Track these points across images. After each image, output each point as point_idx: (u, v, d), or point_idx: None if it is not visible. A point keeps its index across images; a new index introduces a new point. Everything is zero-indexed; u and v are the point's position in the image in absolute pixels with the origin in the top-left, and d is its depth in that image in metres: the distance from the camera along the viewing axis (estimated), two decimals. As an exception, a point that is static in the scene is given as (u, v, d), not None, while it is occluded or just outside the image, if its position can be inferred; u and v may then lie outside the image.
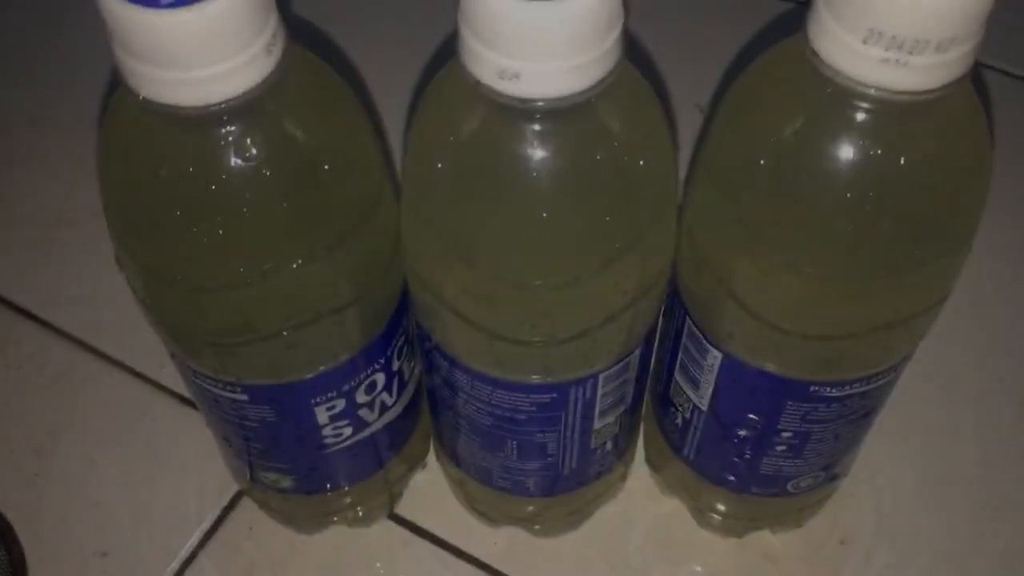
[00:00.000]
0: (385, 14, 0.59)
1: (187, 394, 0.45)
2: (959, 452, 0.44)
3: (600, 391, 0.32)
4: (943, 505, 0.42)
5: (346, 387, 0.32)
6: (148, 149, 0.25)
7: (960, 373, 0.46)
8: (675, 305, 0.33)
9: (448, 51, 0.25)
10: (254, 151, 0.25)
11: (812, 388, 0.30)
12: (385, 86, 0.53)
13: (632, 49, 0.25)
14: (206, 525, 0.42)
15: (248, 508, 0.42)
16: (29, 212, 0.52)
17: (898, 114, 0.24)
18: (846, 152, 0.25)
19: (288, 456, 0.34)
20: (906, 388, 0.44)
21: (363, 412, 0.34)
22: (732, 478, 0.36)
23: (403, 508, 0.42)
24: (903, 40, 0.22)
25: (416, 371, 0.36)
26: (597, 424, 0.33)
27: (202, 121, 0.24)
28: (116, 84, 0.25)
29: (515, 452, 0.34)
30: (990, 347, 0.47)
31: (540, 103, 0.24)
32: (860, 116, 0.24)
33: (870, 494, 0.42)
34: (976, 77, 0.25)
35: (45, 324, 0.48)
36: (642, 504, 0.42)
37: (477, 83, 0.24)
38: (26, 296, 0.48)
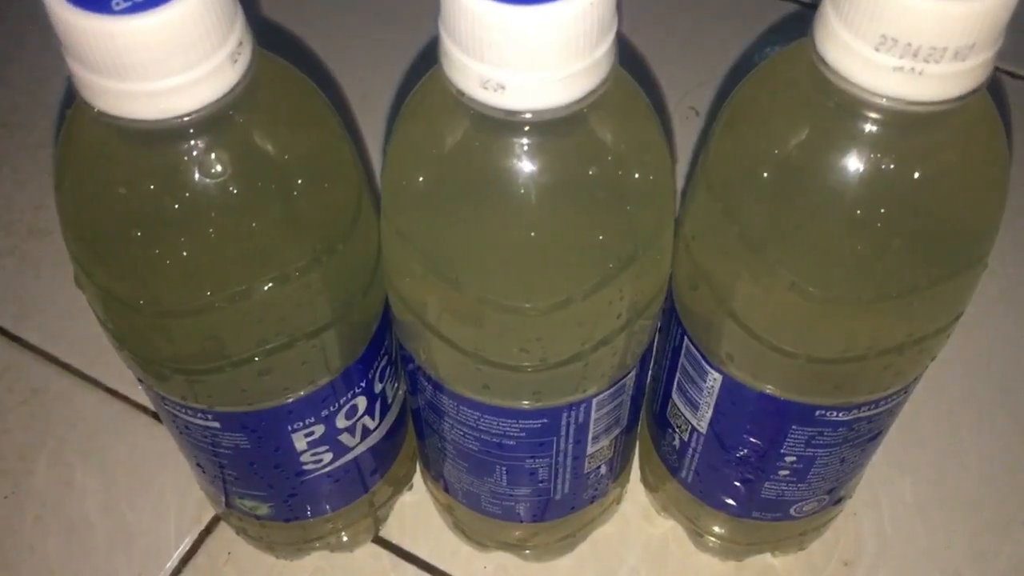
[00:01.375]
0: (363, 15, 0.57)
1: (164, 412, 0.43)
2: (961, 473, 0.42)
3: (594, 415, 0.30)
4: (945, 526, 0.41)
5: (325, 412, 0.30)
6: (105, 166, 0.23)
7: (962, 393, 0.45)
8: (672, 323, 0.31)
9: (429, 60, 0.24)
10: (220, 167, 0.23)
11: (818, 412, 0.29)
12: (363, 93, 0.51)
13: (623, 52, 0.23)
14: (184, 549, 0.40)
15: (227, 531, 0.40)
16: (0, 222, 0.50)
17: (911, 126, 0.23)
18: (855, 165, 0.23)
19: (265, 483, 0.33)
20: (908, 407, 0.43)
21: (344, 437, 0.32)
22: (732, 502, 0.34)
23: (388, 531, 0.40)
24: (919, 47, 0.21)
25: (400, 392, 0.34)
26: (590, 448, 0.32)
27: (162, 136, 0.22)
28: (72, 96, 0.23)
29: (504, 477, 0.32)
30: (992, 366, 0.45)
31: (528, 116, 0.22)
32: (871, 127, 0.23)
33: (872, 515, 0.40)
34: (994, 81, 0.23)
35: (16, 339, 0.46)
36: (637, 524, 0.41)
37: (460, 93, 0.22)
38: (-3, 310, 0.47)
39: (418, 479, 0.41)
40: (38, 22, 0.59)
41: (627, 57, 0.24)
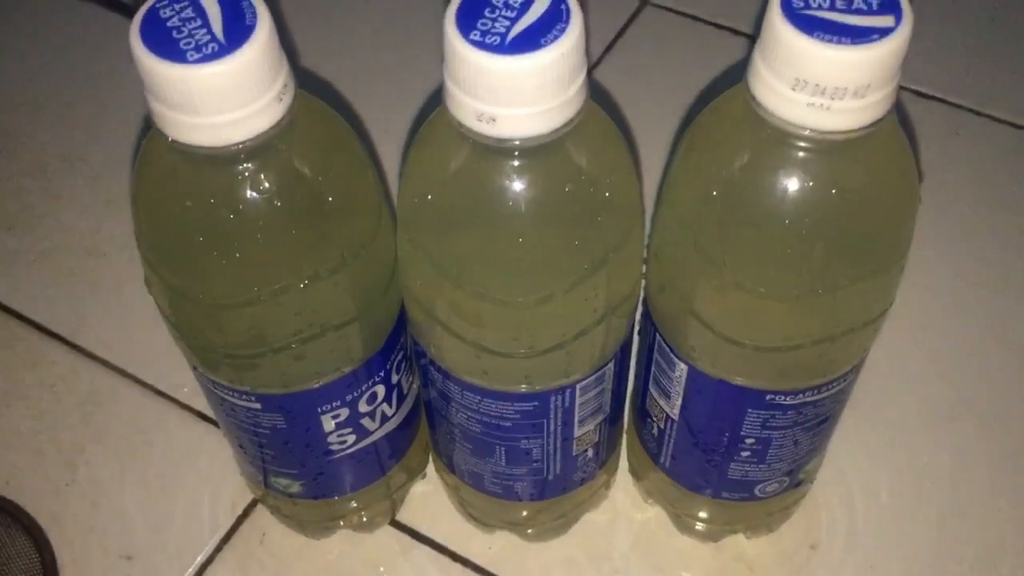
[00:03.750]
0: (382, 67, 0.63)
1: (206, 411, 0.49)
2: (929, 458, 0.46)
3: (578, 400, 0.35)
4: (913, 510, 0.45)
5: (349, 397, 0.35)
6: (175, 184, 0.29)
7: (927, 379, 0.49)
8: (647, 324, 0.36)
9: (437, 99, 0.29)
10: (266, 185, 0.29)
11: (768, 396, 0.34)
12: (383, 130, 0.58)
13: (598, 93, 0.29)
14: (222, 532, 0.45)
15: (260, 517, 0.45)
16: (62, 244, 0.56)
17: (828, 151, 0.28)
18: (784, 184, 0.28)
19: (297, 461, 0.38)
20: (874, 395, 0.47)
21: (365, 421, 0.37)
22: (704, 483, 0.39)
23: (404, 515, 0.45)
24: (825, 87, 0.26)
25: (414, 386, 0.40)
26: (577, 432, 0.37)
27: (221, 160, 0.28)
28: (148, 127, 0.29)
29: (503, 458, 0.37)
30: (956, 354, 0.50)
31: (515, 142, 0.27)
32: (795, 153, 0.28)
33: (840, 500, 0.45)
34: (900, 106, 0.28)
35: (76, 348, 0.51)
36: (627, 511, 0.45)
37: (460, 125, 0.28)
38: (59, 322, 0.52)
39: (431, 470, 0.46)
40: (98, 69, 0.66)
41: (602, 99, 0.29)
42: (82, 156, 0.60)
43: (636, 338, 0.37)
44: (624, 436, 0.44)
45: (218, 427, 0.48)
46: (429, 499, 0.46)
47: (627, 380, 0.39)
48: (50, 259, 0.55)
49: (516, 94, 0.26)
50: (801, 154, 0.28)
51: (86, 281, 0.54)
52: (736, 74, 0.30)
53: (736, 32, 0.63)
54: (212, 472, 0.47)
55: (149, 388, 0.50)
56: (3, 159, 0.60)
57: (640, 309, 0.36)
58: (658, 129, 0.57)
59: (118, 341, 0.52)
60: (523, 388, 0.34)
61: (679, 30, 0.64)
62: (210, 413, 0.48)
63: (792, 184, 0.28)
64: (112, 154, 0.60)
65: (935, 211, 0.55)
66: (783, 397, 0.34)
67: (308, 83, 0.30)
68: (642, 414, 0.40)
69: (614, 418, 0.39)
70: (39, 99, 0.63)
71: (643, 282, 0.35)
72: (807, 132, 0.27)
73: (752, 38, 0.59)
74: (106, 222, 0.57)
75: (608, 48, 0.62)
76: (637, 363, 0.39)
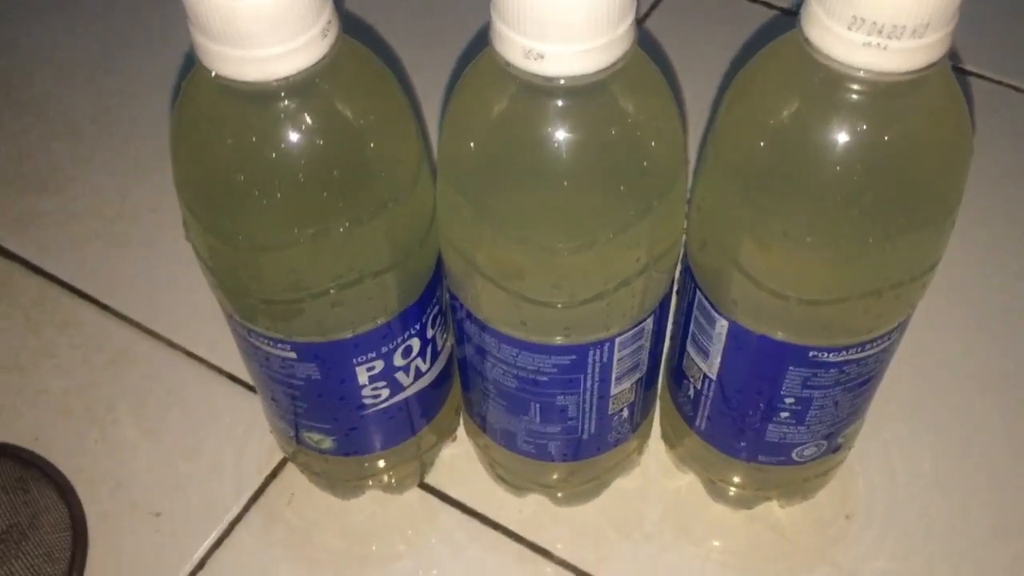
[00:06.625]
0: (424, 15, 0.63)
1: (235, 372, 0.48)
2: (978, 426, 0.45)
3: (616, 355, 0.34)
4: (960, 482, 0.44)
5: (385, 349, 0.35)
6: (216, 121, 0.29)
7: (977, 342, 0.48)
8: (687, 281, 0.36)
9: (474, 51, 0.29)
10: (308, 123, 0.28)
11: (811, 353, 0.33)
12: (423, 84, 0.57)
13: (647, 43, 0.28)
14: (250, 492, 0.45)
15: (289, 477, 0.45)
16: (92, 207, 0.56)
17: (882, 94, 0.27)
18: (836, 129, 0.28)
19: (330, 415, 0.38)
20: (920, 358, 0.47)
21: (399, 375, 0.37)
22: (741, 446, 0.39)
23: (433, 479, 0.45)
24: (882, 26, 0.25)
25: (448, 343, 0.39)
26: (614, 389, 0.36)
27: (264, 96, 0.28)
28: (189, 67, 0.28)
29: (538, 415, 0.37)
30: (1007, 316, 0.49)
31: (561, 81, 0.27)
32: (848, 97, 0.27)
33: (879, 469, 0.44)
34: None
35: (105, 308, 0.51)
36: (658, 479, 0.45)
37: (507, 64, 0.27)
38: (88, 283, 0.52)
39: (461, 433, 0.46)
40: (128, 36, 0.66)
41: (650, 51, 0.29)
42: (112, 120, 0.60)
43: (674, 299, 0.37)
44: (657, 403, 0.44)
45: (247, 388, 0.48)
46: (458, 463, 0.46)
47: (664, 342, 0.38)
48: (80, 221, 0.55)
49: (565, 29, 0.26)
50: (855, 97, 0.27)
51: (115, 243, 0.54)
52: (782, 29, 0.29)
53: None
54: (240, 433, 0.47)
55: (178, 348, 0.50)
56: (34, 122, 0.60)
57: (679, 267, 0.36)
58: (702, 85, 0.57)
59: (147, 302, 0.51)
60: (561, 340, 0.33)
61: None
62: (239, 374, 0.48)
63: (845, 129, 0.28)
64: (142, 118, 0.60)
65: (976, 183, 0.54)
66: (826, 354, 0.33)
67: (351, 27, 0.30)
68: (678, 377, 0.40)
69: (650, 380, 0.39)
70: (70, 62, 0.63)
71: (683, 238, 0.35)
72: (862, 74, 0.27)
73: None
74: (136, 186, 0.56)
75: (655, 4, 0.62)
76: (674, 324, 0.38)
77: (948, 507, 0.43)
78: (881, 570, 0.42)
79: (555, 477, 0.41)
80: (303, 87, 0.28)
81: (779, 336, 0.33)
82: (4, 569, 0.41)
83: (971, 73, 0.60)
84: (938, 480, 0.44)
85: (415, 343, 0.36)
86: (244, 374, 0.48)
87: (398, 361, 0.36)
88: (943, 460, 0.45)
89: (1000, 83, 0.59)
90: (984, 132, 0.57)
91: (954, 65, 0.59)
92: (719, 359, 0.36)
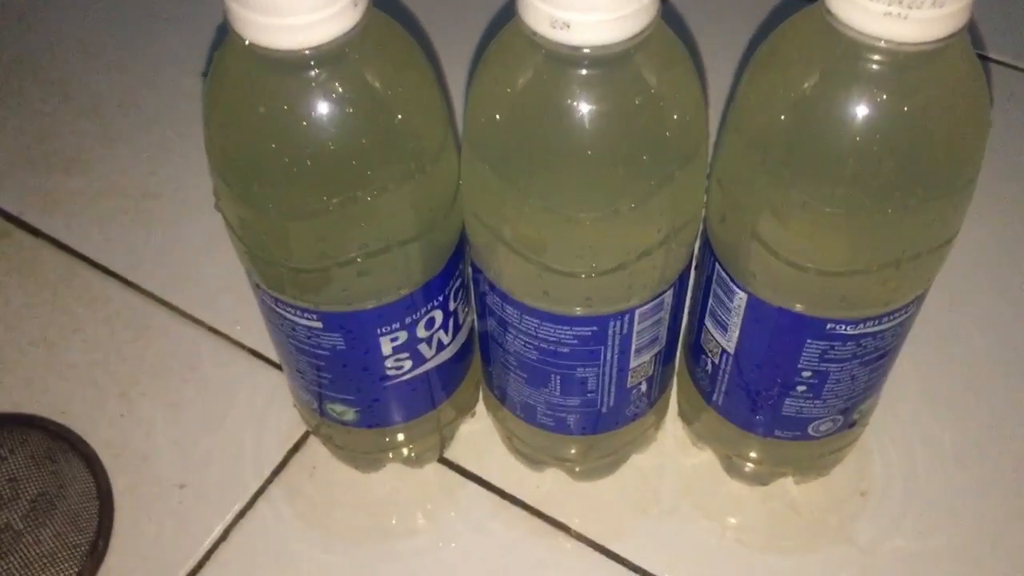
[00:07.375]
0: None
1: (258, 348, 0.49)
2: (1001, 401, 0.46)
3: (636, 327, 0.35)
4: (982, 459, 0.44)
5: (408, 319, 0.36)
6: (249, 88, 0.29)
7: (997, 317, 0.48)
8: (706, 255, 0.36)
9: (500, 23, 0.29)
10: (339, 92, 0.29)
11: (829, 325, 0.34)
12: (448, 56, 0.57)
13: (670, 17, 0.29)
14: (272, 465, 0.46)
15: (310, 451, 0.46)
16: (118, 186, 0.56)
17: (902, 65, 0.28)
18: (856, 100, 0.28)
19: (354, 386, 0.38)
20: (938, 332, 0.47)
21: (422, 347, 0.37)
22: (757, 420, 0.39)
23: (452, 453, 0.46)
24: (903, -5, 0.26)
25: (469, 319, 0.40)
26: (633, 362, 0.37)
27: (295, 64, 0.28)
28: (222, 37, 0.29)
29: (558, 387, 0.37)
30: None
31: (587, 51, 0.27)
32: (868, 67, 0.28)
33: (895, 446, 0.45)
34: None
35: (131, 284, 0.52)
36: (675, 456, 0.45)
37: (533, 33, 0.28)
38: (115, 260, 0.53)
39: (480, 409, 0.46)
40: (153, 21, 0.67)
41: (673, 24, 0.29)
42: (138, 101, 0.61)
43: (692, 274, 0.37)
44: (675, 379, 0.44)
45: (270, 364, 0.48)
46: (477, 439, 0.46)
47: (682, 317, 0.39)
48: (106, 200, 0.56)
49: (592, -1, 0.26)
50: (875, 68, 0.28)
51: (140, 221, 0.55)
52: (803, 4, 0.30)
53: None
54: (264, 407, 0.47)
55: (202, 325, 0.50)
56: (61, 102, 0.61)
57: (698, 241, 0.36)
58: (723, 59, 0.57)
59: (171, 279, 0.52)
60: (582, 311, 0.34)
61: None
62: (262, 349, 0.49)
63: (865, 100, 0.28)
64: (167, 99, 0.60)
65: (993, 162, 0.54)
66: (843, 327, 0.34)
67: (379, 1, 0.30)
68: (695, 352, 0.40)
69: (668, 355, 0.39)
70: (97, 44, 0.64)
71: (703, 213, 0.35)
72: (882, 44, 0.27)
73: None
74: (161, 166, 0.57)
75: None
76: (692, 299, 0.39)
77: (966, 485, 0.44)
78: (898, 548, 0.42)
79: (573, 451, 0.42)
80: (334, 56, 0.28)
81: (797, 308, 0.33)
82: (33, 536, 0.42)
83: (990, 59, 0.60)
84: (957, 457, 0.44)
85: (438, 315, 0.37)
86: (267, 349, 0.49)
87: (421, 333, 0.37)
88: (961, 437, 0.45)
89: (1016, 68, 0.59)
90: (1003, 117, 0.57)
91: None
92: (737, 333, 0.36)
